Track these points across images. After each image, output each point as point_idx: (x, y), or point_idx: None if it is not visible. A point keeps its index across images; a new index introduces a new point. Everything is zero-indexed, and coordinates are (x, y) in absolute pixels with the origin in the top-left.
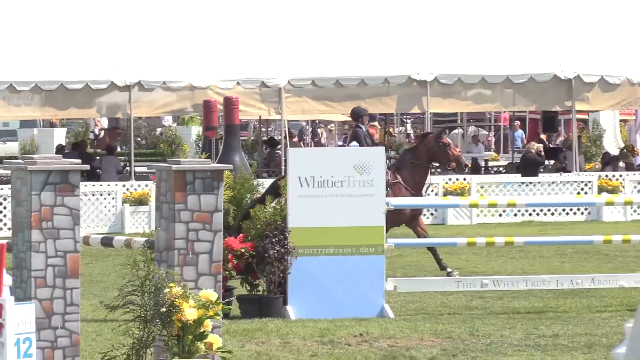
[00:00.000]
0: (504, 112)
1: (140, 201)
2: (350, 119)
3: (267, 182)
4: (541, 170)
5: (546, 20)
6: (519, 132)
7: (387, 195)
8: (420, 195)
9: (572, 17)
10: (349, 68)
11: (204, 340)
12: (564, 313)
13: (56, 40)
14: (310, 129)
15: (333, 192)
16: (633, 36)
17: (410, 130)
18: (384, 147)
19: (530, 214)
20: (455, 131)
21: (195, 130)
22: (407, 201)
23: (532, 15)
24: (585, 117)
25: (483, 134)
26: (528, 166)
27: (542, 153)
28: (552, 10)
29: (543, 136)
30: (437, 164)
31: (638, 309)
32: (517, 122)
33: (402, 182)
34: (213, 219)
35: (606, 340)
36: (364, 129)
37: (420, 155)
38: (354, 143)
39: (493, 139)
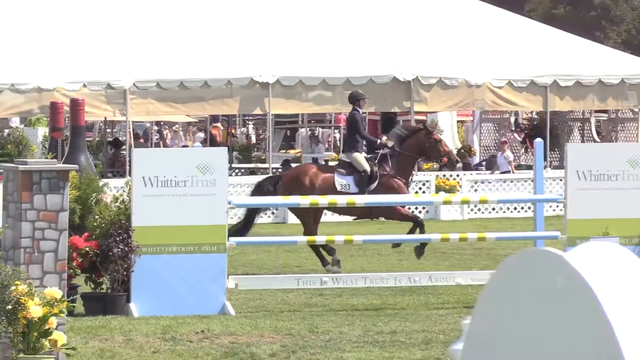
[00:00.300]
0: (341, 113)
1: None
2: (193, 120)
3: (112, 182)
4: None
5: (385, 24)
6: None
7: (375, 188)
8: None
9: (411, 21)
10: (193, 70)
11: (49, 337)
12: (401, 310)
13: None
14: (157, 130)
15: (176, 191)
16: (470, 39)
17: (252, 131)
18: (226, 148)
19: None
20: (302, 130)
21: (42, 131)
22: (249, 201)
23: (371, 18)
24: (424, 118)
25: (329, 133)
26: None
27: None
28: (391, 13)
29: (384, 137)
30: (425, 159)
31: (475, 306)
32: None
33: (390, 173)
34: (59, 218)
35: (443, 337)
36: (360, 112)
37: (410, 148)
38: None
39: (338, 138)
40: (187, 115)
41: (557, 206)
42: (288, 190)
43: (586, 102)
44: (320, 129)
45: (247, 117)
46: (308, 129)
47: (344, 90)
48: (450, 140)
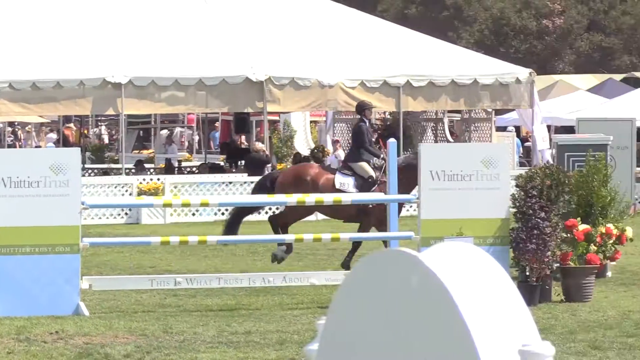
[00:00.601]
0: (192, 113)
1: None
2: (46, 120)
3: None
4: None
5: (238, 24)
6: (219, 133)
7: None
8: None
9: (264, 21)
10: (45, 71)
11: None
12: (256, 310)
13: None
14: (11, 130)
15: (30, 192)
16: (323, 39)
17: (104, 132)
18: (79, 149)
19: (223, 214)
20: (163, 132)
21: None
22: (102, 201)
23: (223, 18)
24: (277, 118)
25: (188, 134)
26: (256, 165)
27: (267, 153)
28: (243, 13)
29: (242, 137)
30: None
31: (330, 306)
32: (218, 124)
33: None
34: None
35: (298, 337)
36: (367, 124)
37: (409, 178)
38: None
39: (195, 139)
40: (40, 116)
41: (411, 206)
42: (287, 189)
43: (439, 102)
44: (180, 129)
45: (99, 118)
46: (167, 129)
47: (196, 90)
48: (304, 140)
